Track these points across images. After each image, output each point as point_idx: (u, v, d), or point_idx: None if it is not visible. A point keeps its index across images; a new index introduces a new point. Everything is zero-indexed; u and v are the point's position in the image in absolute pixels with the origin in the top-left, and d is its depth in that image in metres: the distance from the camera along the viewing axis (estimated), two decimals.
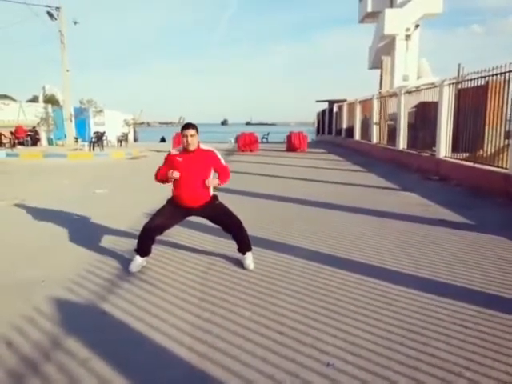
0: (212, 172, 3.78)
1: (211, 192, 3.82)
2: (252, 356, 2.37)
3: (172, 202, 3.79)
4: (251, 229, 4.96)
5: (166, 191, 3.97)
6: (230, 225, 3.84)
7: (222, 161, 3.81)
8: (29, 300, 3.10)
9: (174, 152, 3.78)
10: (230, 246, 4.10)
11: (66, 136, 20.00)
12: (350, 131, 21.06)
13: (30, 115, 20.27)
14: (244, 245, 3.85)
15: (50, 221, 5.57)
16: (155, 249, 4.19)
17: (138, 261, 3.75)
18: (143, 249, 3.75)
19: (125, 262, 3.87)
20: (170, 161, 3.73)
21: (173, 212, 3.75)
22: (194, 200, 3.69)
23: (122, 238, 4.69)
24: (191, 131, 3.61)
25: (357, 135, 19.28)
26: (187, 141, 3.62)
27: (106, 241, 4.64)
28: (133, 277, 3.58)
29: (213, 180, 3.76)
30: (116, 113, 29.09)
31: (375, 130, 16.03)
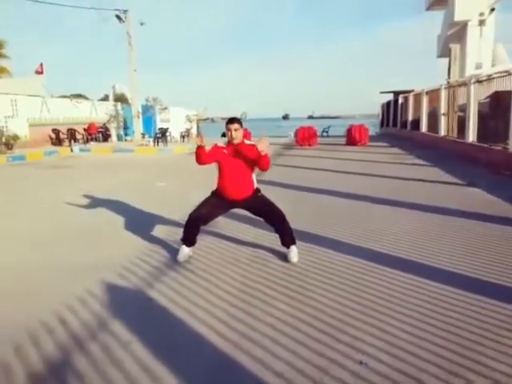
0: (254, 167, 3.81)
1: (254, 185, 3.86)
2: (284, 349, 2.38)
3: (216, 193, 3.88)
4: (298, 222, 4.95)
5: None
6: (272, 217, 3.85)
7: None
8: (83, 282, 3.36)
9: (220, 144, 3.86)
10: (274, 239, 4.11)
11: (133, 132, 21.15)
12: (415, 123, 20.07)
13: (101, 113, 21.71)
14: (287, 238, 3.85)
15: (112, 211, 5.95)
16: (202, 240, 4.34)
17: (185, 251, 3.89)
18: (189, 238, 3.88)
19: (174, 252, 4.02)
20: (215, 151, 3.80)
21: (217, 203, 3.84)
22: (237, 193, 3.76)
23: (175, 229, 4.88)
24: (235, 125, 3.69)
25: (423, 127, 18.32)
26: (231, 134, 3.69)
27: (159, 231, 4.87)
28: (179, 266, 3.73)
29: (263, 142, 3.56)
30: (180, 109, 30.20)
31: (443, 121, 15.12)
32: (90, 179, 9.61)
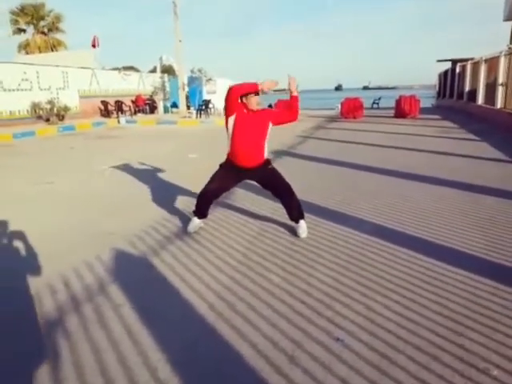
0: (268, 133, 3.76)
1: (265, 155, 3.80)
2: (265, 321, 2.40)
3: (225, 164, 3.88)
4: (315, 196, 4.91)
5: None
6: (279, 189, 3.82)
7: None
8: (96, 248, 3.55)
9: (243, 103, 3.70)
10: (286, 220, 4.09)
11: (173, 104, 21.38)
12: (472, 94, 18.70)
13: (148, 85, 22.20)
14: (295, 212, 3.81)
15: (141, 181, 6.18)
16: (217, 211, 4.45)
17: (195, 222, 3.98)
18: (200, 211, 3.96)
19: (187, 223, 4.10)
20: (240, 106, 3.65)
21: (226, 176, 3.85)
22: (247, 159, 3.70)
23: (193, 200, 4.91)
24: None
25: (479, 99, 17.04)
26: (256, 101, 3.63)
27: (179, 202, 5.00)
28: (187, 236, 3.83)
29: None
30: (227, 81, 30.17)
31: (500, 92, 13.96)
32: (130, 150, 9.97)
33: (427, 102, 31.22)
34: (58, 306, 2.61)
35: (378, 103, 27.01)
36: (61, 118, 15.30)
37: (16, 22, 28.53)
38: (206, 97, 23.40)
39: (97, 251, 3.48)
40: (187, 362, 2.08)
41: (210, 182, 3.90)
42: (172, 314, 2.53)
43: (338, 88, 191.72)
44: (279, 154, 8.64)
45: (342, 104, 18.94)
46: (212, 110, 20.05)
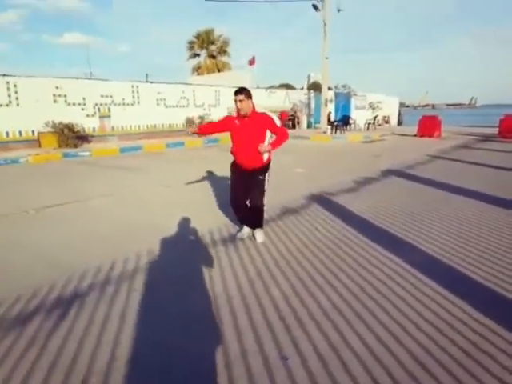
0: (268, 137, 3.88)
1: (265, 158, 3.90)
2: (232, 328, 2.51)
3: (232, 167, 4.10)
4: (391, 220, 4.65)
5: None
6: (251, 198, 3.99)
7: (277, 123, 3.86)
8: (151, 243, 4.07)
9: (234, 115, 3.95)
10: (341, 242, 4.02)
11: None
12: None
13: (293, 101, 23.18)
14: (253, 221, 4.11)
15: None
16: (276, 224, 4.58)
17: (245, 230, 4.25)
18: (240, 219, 4.25)
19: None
20: (228, 121, 3.97)
21: (235, 180, 4.08)
22: (245, 163, 3.92)
23: (277, 211, 5.24)
24: (240, 96, 3.71)
25: None
26: (237, 106, 3.75)
27: None
28: (232, 243, 4.09)
29: (265, 146, 3.80)
30: (379, 96, 29.30)
31: None
32: None
33: None
34: (92, 283, 3.19)
35: None
36: None
37: (192, 47, 33.42)
38: (354, 112, 23.28)
39: (150, 246, 3.98)
40: (135, 354, 2.36)
41: (230, 191, 4.13)
42: (163, 311, 2.83)
43: None
44: (390, 172, 8.19)
45: (501, 121, 16.53)
46: (352, 125, 19.82)
